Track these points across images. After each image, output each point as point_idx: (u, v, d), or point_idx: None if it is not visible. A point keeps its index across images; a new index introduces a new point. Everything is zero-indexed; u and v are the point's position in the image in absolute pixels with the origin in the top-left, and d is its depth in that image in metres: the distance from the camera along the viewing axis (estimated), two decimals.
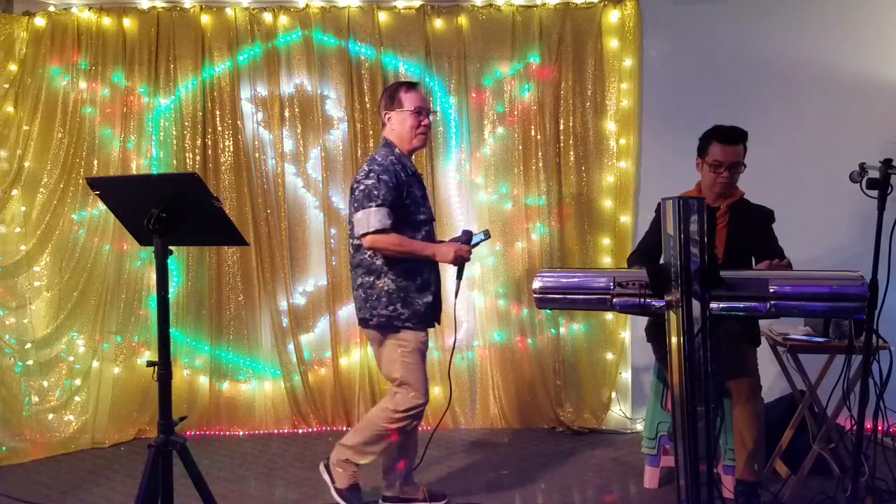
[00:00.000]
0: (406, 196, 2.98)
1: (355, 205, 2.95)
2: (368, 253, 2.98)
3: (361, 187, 2.92)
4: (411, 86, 3.09)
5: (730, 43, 4.19)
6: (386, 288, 2.98)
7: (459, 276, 3.08)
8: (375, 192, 2.88)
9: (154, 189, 2.37)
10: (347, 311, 4.38)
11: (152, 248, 2.26)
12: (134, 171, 4.23)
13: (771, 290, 2.21)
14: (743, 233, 3.07)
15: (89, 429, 4.14)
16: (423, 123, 3.04)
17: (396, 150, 3.04)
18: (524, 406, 4.38)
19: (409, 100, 3.02)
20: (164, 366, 2.28)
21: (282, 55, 4.30)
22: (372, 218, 2.87)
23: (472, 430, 4.33)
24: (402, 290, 2.98)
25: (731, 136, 3.05)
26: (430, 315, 3.08)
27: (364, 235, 2.90)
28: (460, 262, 3.04)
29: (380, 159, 2.97)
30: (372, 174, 2.92)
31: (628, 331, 4.32)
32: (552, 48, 4.25)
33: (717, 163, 3.05)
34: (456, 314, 3.35)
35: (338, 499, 3.07)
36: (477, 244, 3.12)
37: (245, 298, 4.36)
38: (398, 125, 3.03)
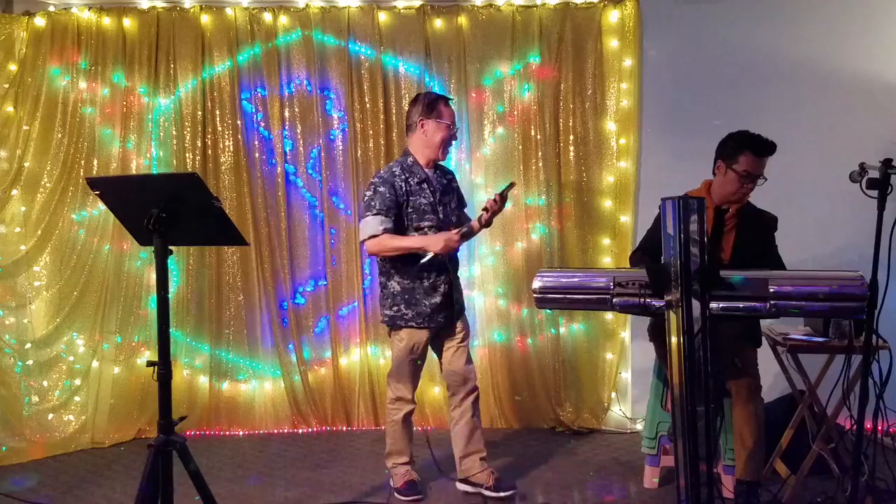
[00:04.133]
0: (408, 205, 3.15)
1: (361, 215, 3.21)
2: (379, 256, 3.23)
3: (365, 198, 3.18)
4: (448, 101, 3.28)
5: (730, 43, 4.19)
6: (392, 289, 3.21)
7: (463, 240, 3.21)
8: (372, 203, 3.12)
9: (154, 189, 2.37)
10: (347, 311, 4.38)
11: (152, 248, 2.26)
12: (134, 171, 4.23)
13: (771, 290, 2.21)
14: (750, 237, 3.06)
15: (89, 429, 4.14)
16: (453, 139, 3.27)
17: (410, 158, 3.22)
18: (524, 406, 4.38)
19: (448, 114, 3.22)
20: (164, 366, 2.28)
21: (282, 55, 4.30)
22: (367, 227, 3.11)
23: None
24: (408, 291, 3.18)
25: (767, 149, 2.99)
26: (437, 314, 3.21)
27: (362, 243, 3.18)
28: (451, 250, 3.18)
29: (383, 172, 3.21)
30: (372, 186, 3.16)
31: (628, 331, 4.31)
32: (552, 48, 4.25)
33: (747, 174, 2.99)
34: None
35: (398, 496, 3.28)
36: (504, 193, 3.21)
37: (245, 298, 4.36)
38: (432, 134, 3.19)
